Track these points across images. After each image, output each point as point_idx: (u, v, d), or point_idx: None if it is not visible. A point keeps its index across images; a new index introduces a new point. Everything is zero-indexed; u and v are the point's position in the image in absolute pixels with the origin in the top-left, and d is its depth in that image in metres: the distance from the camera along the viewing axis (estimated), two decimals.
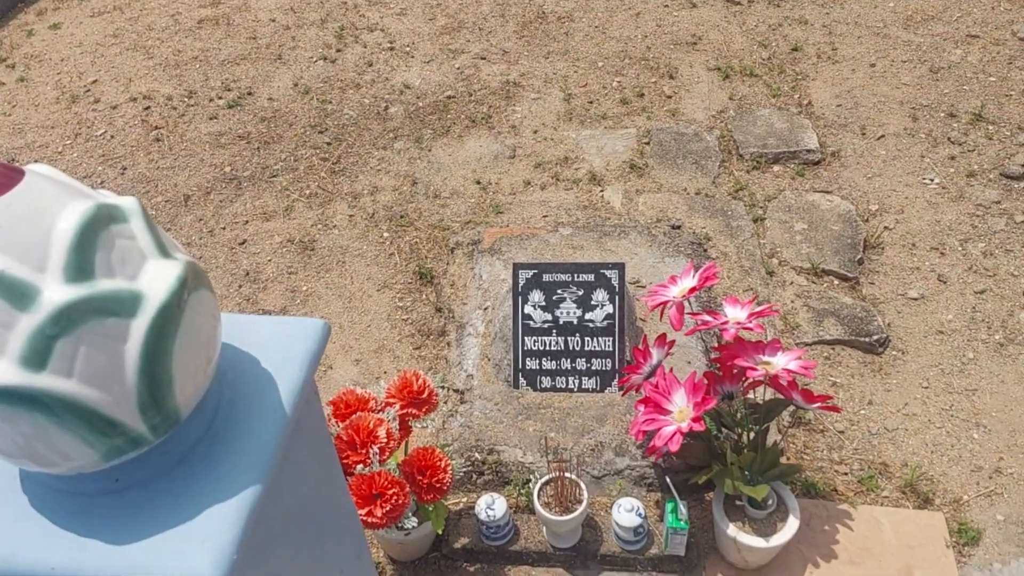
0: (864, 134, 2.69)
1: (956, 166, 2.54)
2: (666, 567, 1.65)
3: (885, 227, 2.37)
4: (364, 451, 1.34)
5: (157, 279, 0.61)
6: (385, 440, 1.36)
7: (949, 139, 2.63)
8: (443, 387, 1.96)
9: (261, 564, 0.74)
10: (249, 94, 2.96)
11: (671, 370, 1.55)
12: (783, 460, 1.82)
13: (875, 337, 2.04)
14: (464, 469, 1.76)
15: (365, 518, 1.30)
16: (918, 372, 2.00)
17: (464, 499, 1.76)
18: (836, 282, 2.23)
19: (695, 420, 1.44)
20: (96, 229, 0.59)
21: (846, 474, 1.81)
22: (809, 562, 1.65)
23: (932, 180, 2.50)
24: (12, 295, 0.55)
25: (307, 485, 0.86)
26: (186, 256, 0.67)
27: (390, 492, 1.32)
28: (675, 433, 1.44)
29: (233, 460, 0.71)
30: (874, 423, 1.90)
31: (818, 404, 1.52)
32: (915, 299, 2.17)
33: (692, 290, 1.50)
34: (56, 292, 0.56)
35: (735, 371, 1.52)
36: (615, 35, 3.19)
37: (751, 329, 1.47)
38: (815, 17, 3.24)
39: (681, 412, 1.47)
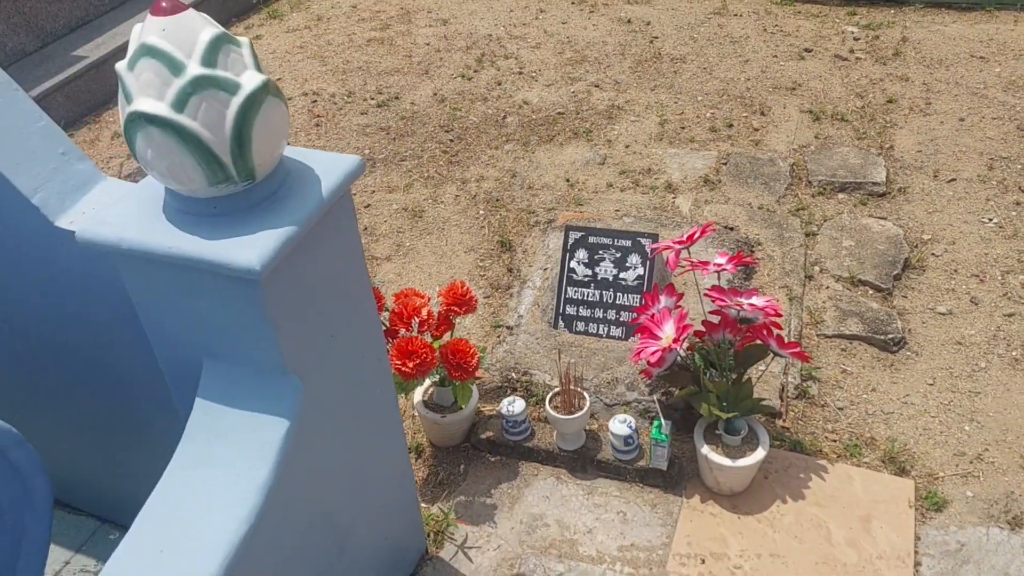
0: (936, 176, 2.86)
1: (1019, 210, 2.67)
2: (651, 480, 1.92)
3: (933, 253, 2.54)
4: (408, 320, 1.75)
5: (250, 79, 1.06)
6: (425, 317, 1.76)
7: (1020, 187, 2.76)
8: (499, 326, 2.34)
9: (296, 283, 1.15)
10: (396, 98, 3.54)
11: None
12: (780, 423, 2.06)
13: (891, 336, 2.23)
14: (501, 384, 2.13)
15: (401, 367, 1.70)
16: (927, 372, 2.17)
17: (496, 408, 2.12)
18: (870, 291, 2.43)
19: (675, 341, 1.74)
20: (221, 43, 1.05)
21: (834, 441, 2.01)
22: (778, 499, 1.88)
23: (991, 220, 2.64)
24: (172, 66, 1.01)
25: (336, 265, 1.28)
26: (269, 76, 1.11)
27: (421, 351, 1.71)
28: (657, 350, 1.75)
29: (285, 214, 1.14)
30: (873, 406, 2.09)
31: (790, 351, 1.78)
32: (943, 314, 2.33)
33: (690, 238, 1.82)
34: (194, 69, 1.02)
35: (725, 314, 1.80)
36: (720, 76, 3.53)
37: (727, 270, 1.76)
38: (917, 76, 3.44)
39: (667, 336, 1.78)
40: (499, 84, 3.59)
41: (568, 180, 2.97)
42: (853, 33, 3.79)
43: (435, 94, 3.55)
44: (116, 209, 1.17)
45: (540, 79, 3.61)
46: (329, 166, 1.23)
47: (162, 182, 1.11)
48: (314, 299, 1.24)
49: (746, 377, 1.83)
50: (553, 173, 3.02)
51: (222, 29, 1.07)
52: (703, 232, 1.83)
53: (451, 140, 3.25)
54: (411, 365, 1.70)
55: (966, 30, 3.73)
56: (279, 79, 3.75)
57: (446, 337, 1.90)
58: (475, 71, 3.70)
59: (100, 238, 1.13)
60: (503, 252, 2.67)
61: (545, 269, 2.45)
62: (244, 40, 1.10)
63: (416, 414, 2.06)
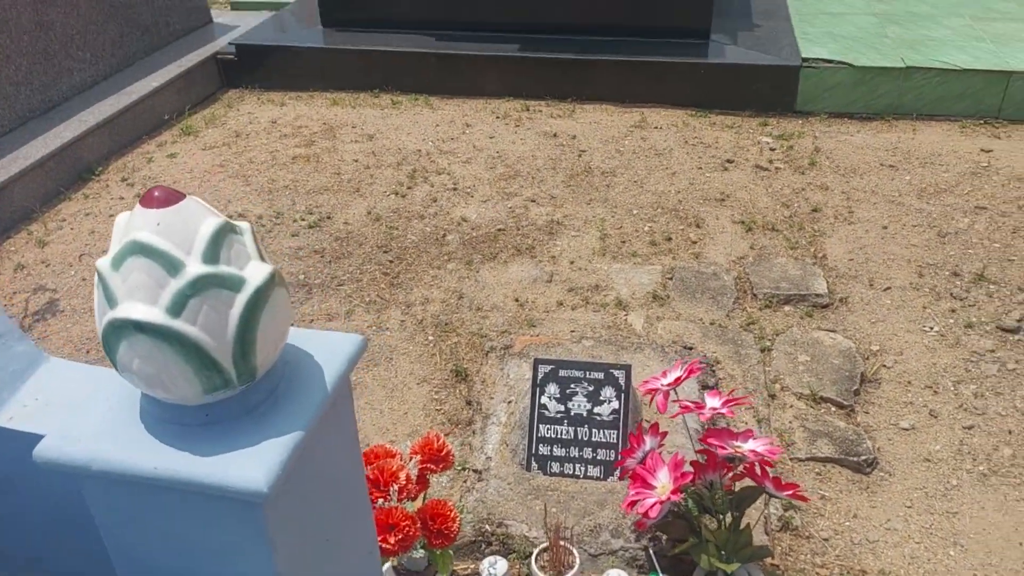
0: (872, 285, 2.95)
1: (956, 318, 2.76)
2: None
3: (884, 365, 2.58)
4: (385, 489, 1.59)
5: (256, 272, 0.93)
6: (404, 482, 1.61)
7: (951, 294, 2.87)
8: (464, 468, 2.20)
9: (297, 495, 1.00)
10: (328, 218, 3.42)
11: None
12: (769, 561, 1.98)
13: (863, 458, 2.22)
14: (474, 538, 1.97)
15: (381, 544, 1.54)
16: (903, 493, 2.15)
17: (472, 566, 1.95)
18: (833, 409, 2.43)
19: (674, 492, 1.65)
20: (223, 235, 0.92)
21: None
22: None
23: (932, 328, 2.72)
24: (168, 265, 0.88)
25: (335, 459, 1.13)
26: (276, 265, 0.99)
27: (403, 524, 1.55)
28: (655, 503, 1.65)
29: (288, 417, 1.00)
30: (857, 534, 2.05)
31: (788, 492, 1.72)
32: (906, 429, 2.35)
33: (677, 380, 1.76)
34: (194, 267, 0.89)
35: (715, 455, 1.74)
36: (651, 189, 3.59)
37: (724, 415, 1.70)
38: (836, 184, 3.59)
39: (663, 487, 1.69)
40: (435, 201, 3.53)
41: (517, 299, 2.90)
42: (768, 143, 3.96)
43: (369, 212, 3.45)
44: (83, 420, 1.00)
45: (476, 195, 3.58)
46: (330, 349, 1.10)
47: (143, 390, 0.95)
48: (313, 505, 1.09)
49: (744, 522, 1.75)
50: (501, 292, 2.95)
51: (223, 218, 0.95)
52: (690, 373, 1.78)
53: (391, 261, 3.14)
54: (393, 541, 1.54)
55: (871, 139, 3.96)
56: None
57: (421, 498, 1.75)
58: (408, 188, 3.64)
59: (67, 458, 0.96)
60: (459, 382, 2.54)
61: (509, 402, 2.34)
62: (245, 226, 0.98)
63: None
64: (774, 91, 4.23)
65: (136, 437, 0.97)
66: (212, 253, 0.90)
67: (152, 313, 0.88)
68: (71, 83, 4.17)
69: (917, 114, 4.15)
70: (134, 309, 0.88)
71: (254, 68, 4.78)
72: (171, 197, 0.90)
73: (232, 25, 5.27)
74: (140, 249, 0.88)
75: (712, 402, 1.72)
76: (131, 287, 0.88)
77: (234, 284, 0.91)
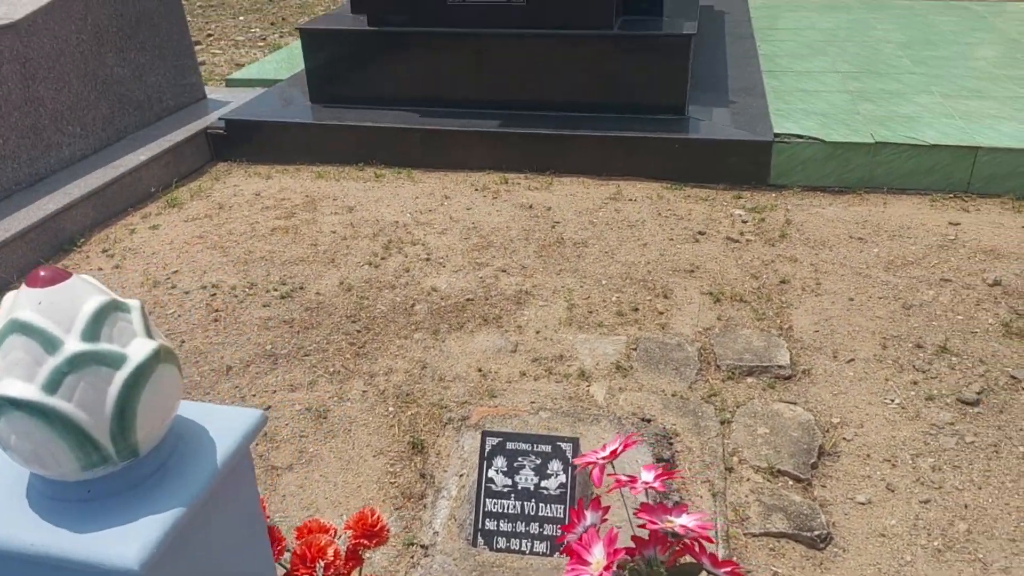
0: (836, 357, 2.95)
1: (917, 390, 2.76)
2: None
3: (844, 438, 2.57)
4: (311, 565, 1.58)
5: (139, 349, 0.96)
6: (332, 558, 1.59)
7: (914, 367, 2.87)
8: (412, 544, 2.18)
9: (182, 572, 1.00)
10: (301, 288, 3.46)
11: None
12: None
13: (816, 533, 2.19)
14: None
15: None
16: (856, 570, 2.12)
17: None
18: (790, 482, 2.40)
19: (607, 568, 1.63)
20: (106, 312, 0.95)
21: None
22: None
23: (893, 400, 2.72)
24: (46, 343, 0.90)
25: (231, 535, 1.13)
26: (166, 342, 1.01)
27: None
28: None
29: (172, 493, 1.01)
30: None
31: (725, 570, 1.69)
32: (862, 503, 2.32)
33: (613, 453, 1.75)
34: (72, 345, 0.91)
35: (656, 530, 1.72)
36: (621, 260, 3.63)
37: (656, 489, 1.69)
38: (805, 256, 3.63)
39: (597, 563, 1.67)
40: (407, 271, 3.58)
41: (480, 370, 2.91)
42: (741, 216, 4.02)
43: (341, 283, 3.49)
44: None
45: (448, 265, 3.62)
46: (226, 424, 1.11)
47: (22, 466, 0.97)
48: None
49: None
50: (465, 363, 2.96)
51: (110, 296, 0.98)
52: (626, 446, 1.77)
53: (358, 331, 3.17)
54: None
55: (842, 212, 4.02)
56: (176, 271, 3.62)
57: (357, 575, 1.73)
58: (382, 258, 3.69)
59: None
60: (415, 454, 2.53)
61: (461, 475, 2.33)
62: (135, 303, 1.01)
63: None
64: (748, 165, 4.31)
65: (18, 513, 0.98)
66: (93, 331, 0.93)
67: (28, 390, 0.90)
68: (60, 157, 4.28)
69: (888, 188, 4.22)
70: (11, 386, 0.90)
71: (243, 142, 4.90)
72: (56, 276, 0.93)
73: (225, 101, 5.43)
74: (20, 327, 0.91)
75: (646, 476, 1.72)
76: (9, 364, 0.91)
77: (114, 361, 0.93)
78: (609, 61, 4.55)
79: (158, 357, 0.97)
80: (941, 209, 4.01)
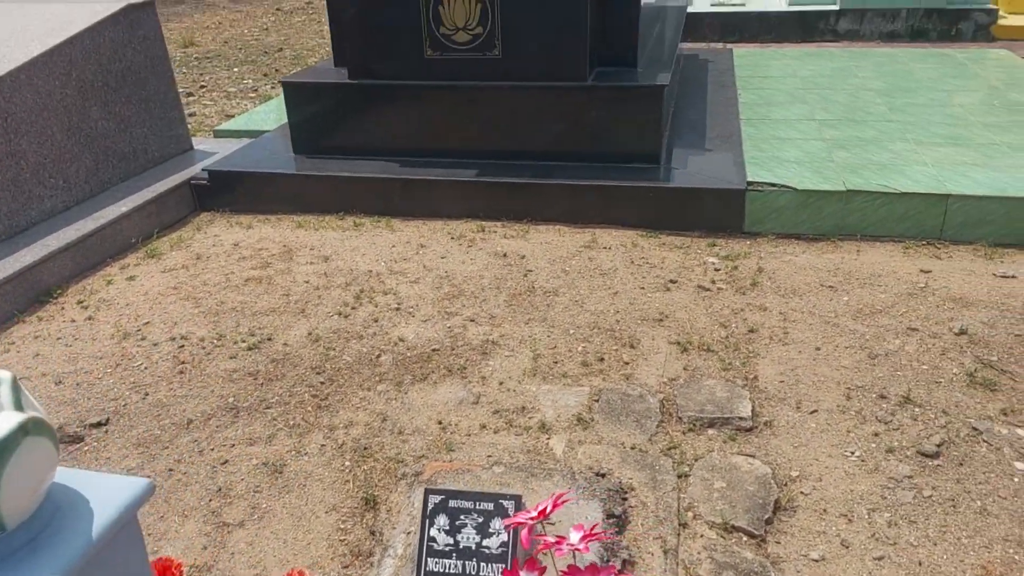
0: (799, 408, 2.93)
1: (878, 442, 2.73)
2: None
3: (801, 492, 2.54)
4: None
5: (3, 423, 0.96)
6: None
7: (877, 418, 2.85)
8: None
9: None
10: (269, 339, 3.47)
11: None
12: None
13: None
14: None
15: None
16: None
17: None
18: (744, 539, 2.37)
19: None
20: None
21: None
22: None
23: (853, 453, 2.69)
24: None
25: None
26: (39, 415, 1.02)
27: None
28: None
29: (42, 566, 1.00)
30: None
31: None
32: (816, 560, 2.28)
33: (542, 512, 1.74)
34: None
35: None
36: (591, 309, 3.64)
37: (581, 551, 1.67)
38: (775, 305, 3.63)
39: None
40: (376, 321, 3.59)
41: (440, 423, 2.90)
42: (714, 264, 4.03)
43: (310, 334, 3.50)
44: None
45: (417, 314, 3.64)
46: (109, 494, 1.11)
47: None
48: None
49: None
50: (426, 415, 2.95)
51: None
52: (555, 506, 1.76)
53: (322, 383, 3.17)
54: None
55: (815, 260, 4.02)
56: (147, 323, 3.64)
57: None
58: (353, 308, 3.70)
59: None
60: (367, 511, 2.51)
61: (408, 533, 2.31)
62: (5, 376, 1.01)
63: None
64: (722, 213, 4.34)
65: None
66: None
67: None
68: (41, 209, 4.34)
69: (862, 235, 4.23)
70: None
71: (226, 193, 4.97)
72: None
73: (212, 152, 5.51)
74: None
75: (573, 537, 1.70)
76: None
77: None
78: (584, 112, 4.61)
79: (24, 430, 0.98)
80: (914, 256, 4.02)
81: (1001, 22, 8.45)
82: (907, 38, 8.60)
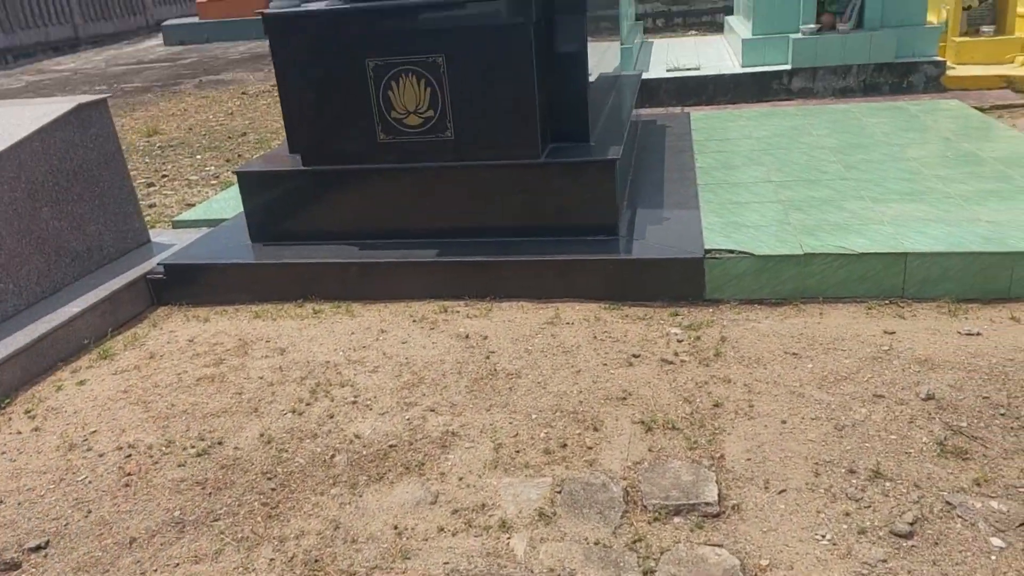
0: (767, 488, 2.84)
1: (849, 522, 2.63)
2: None
3: None
4: None
5: None
6: None
7: (846, 495, 2.76)
8: None
9: None
10: (219, 444, 3.35)
11: None
12: None
13: None
14: None
15: None
16: None
17: None
18: None
19: None
20: None
21: None
22: None
23: (824, 536, 2.59)
24: None
25: None
26: None
27: None
28: None
29: None
30: None
31: None
32: None
33: None
34: None
35: None
36: (553, 390, 3.55)
37: None
38: (739, 376, 3.56)
39: None
40: (331, 417, 3.48)
41: (396, 527, 2.78)
42: (677, 335, 3.97)
43: (262, 435, 3.38)
44: None
45: (375, 407, 3.53)
46: None
47: None
48: None
49: None
50: (381, 519, 2.83)
51: None
52: None
53: (273, 489, 3.04)
54: None
55: (777, 325, 3.98)
56: (94, 431, 3.51)
57: None
58: (307, 404, 3.60)
59: None
60: None
61: None
62: None
63: None
64: (682, 282, 4.30)
65: None
66: None
67: None
68: None
69: (824, 297, 4.21)
70: None
71: (182, 285, 4.88)
72: None
73: (170, 244, 5.44)
74: None
75: None
76: None
77: None
78: (540, 188, 4.61)
79: None
80: (877, 317, 3.98)
81: (950, 72, 8.67)
82: (860, 93, 8.78)
